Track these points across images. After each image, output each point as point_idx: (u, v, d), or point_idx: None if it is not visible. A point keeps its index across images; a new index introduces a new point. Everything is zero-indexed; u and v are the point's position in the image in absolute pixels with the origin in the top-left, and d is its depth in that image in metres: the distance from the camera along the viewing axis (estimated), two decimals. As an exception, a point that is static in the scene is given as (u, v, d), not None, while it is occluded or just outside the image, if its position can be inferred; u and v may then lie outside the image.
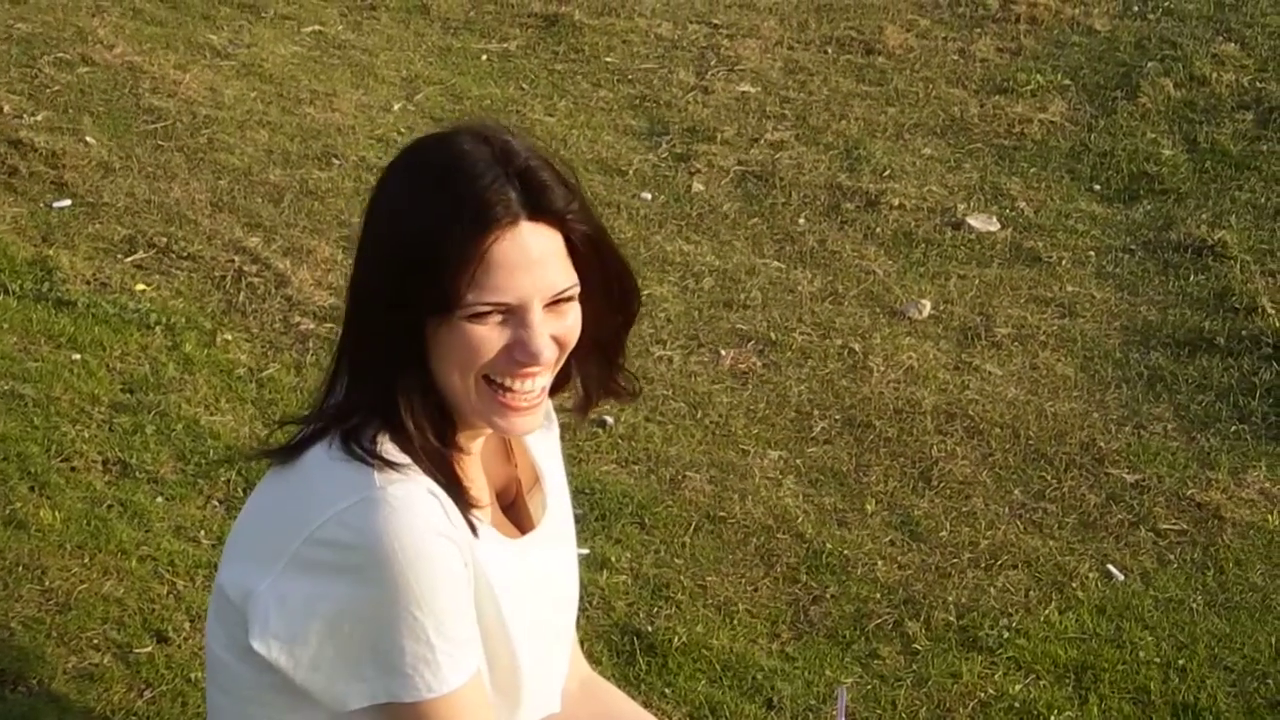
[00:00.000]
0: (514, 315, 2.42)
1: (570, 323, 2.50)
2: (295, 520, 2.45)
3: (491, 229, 2.38)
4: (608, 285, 2.58)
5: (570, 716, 2.98)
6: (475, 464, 2.66)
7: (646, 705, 3.69)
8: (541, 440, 2.90)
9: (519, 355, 2.42)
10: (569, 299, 2.48)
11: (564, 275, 2.46)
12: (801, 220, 6.18)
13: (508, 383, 2.46)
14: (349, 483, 2.42)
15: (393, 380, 2.47)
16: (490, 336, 2.42)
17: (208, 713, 2.82)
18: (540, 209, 2.42)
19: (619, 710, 3.15)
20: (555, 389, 2.79)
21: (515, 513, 2.81)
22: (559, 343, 2.48)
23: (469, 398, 2.48)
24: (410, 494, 2.41)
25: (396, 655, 2.42)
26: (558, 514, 2.86)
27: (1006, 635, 4.16)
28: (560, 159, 2.55)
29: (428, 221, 2.43)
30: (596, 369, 2.72)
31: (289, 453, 2.55)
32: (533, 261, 2.41)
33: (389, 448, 2.45)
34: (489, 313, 2.41)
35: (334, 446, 2.47)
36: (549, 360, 2.46)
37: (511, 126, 2.62)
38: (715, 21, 7.77)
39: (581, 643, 3.84)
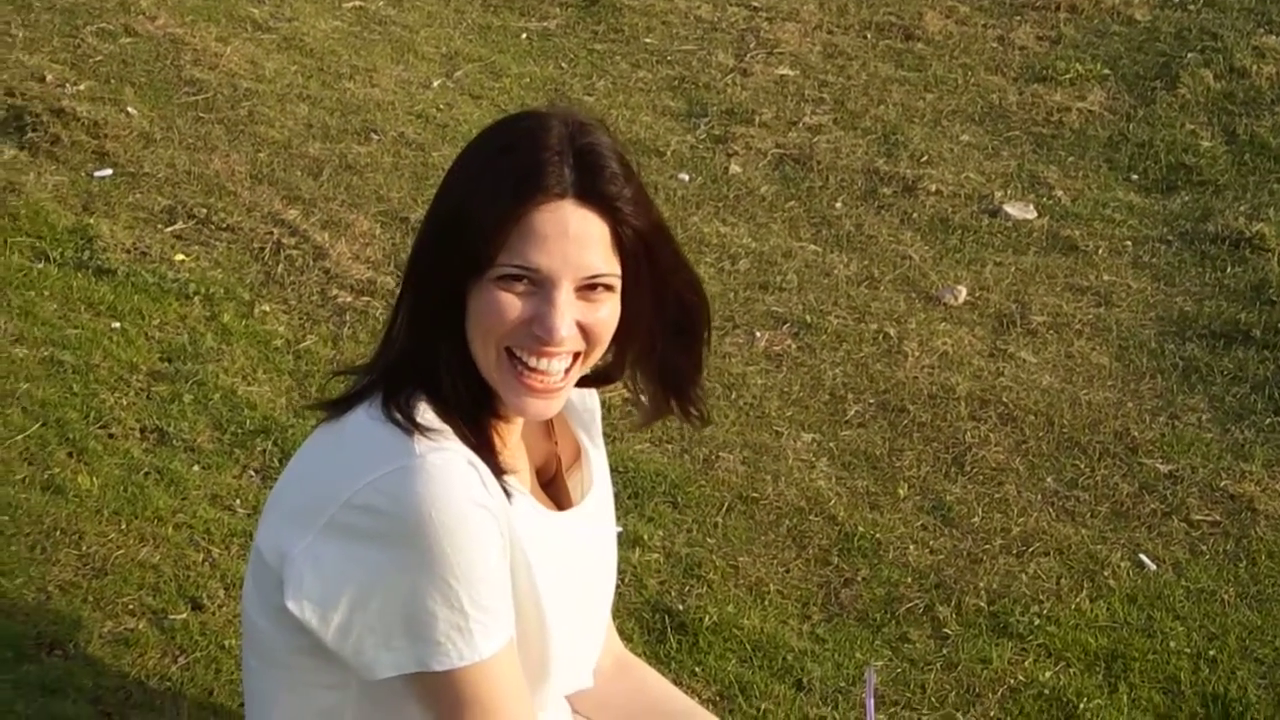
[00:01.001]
0: (541, 289, 2.41)
1: (603, 315, 2.48)
2: (334, 484, 2.46)
3: (535, 195, 2.39)
4: (660, 292, 2.55)
5: (603, 693, 2.98)
6: (515, 436, 2.66)
7: (676, 683, 3.69)
8: (584, 418, 2.91)
9: (538, 329, 2.41)
10: (606, 288, 2.46)
11: (602, 260, 2.44)
12: (838, 204, 6.18)
13: (527, 358, 2.45)
14: (388, 448, 2.42)
15: (435, 344, 2.49)
16: (514, 304, 2.41)
17: (243, 677, 2.84)
18: (590, 192, 2.42)
19: (651, 688, 3.15)
20: (595, 383, 2.82)
21: (555, 489, 2.81)
22: (586, 332, 2.47)
23: (491, 369, 2.48)
24: (449, 462, 2.41)
25: (429, 623, 2.42)
26: (598, 493, 2.86)
27: (1037, 622, 4.16)
28: (635, 159, 2.55)
29: (479, 185, 2.45)
30: (662, 387, 2.71)
31: (338, 406, 2.56)
32: (569, 238, 2.41)
33: (428, 414, 2.45)
34: (517, 278, 2.40)
35: (374, 408, 2.48)
36: (568, 342, 2.44)
37: (602, 119, 2.61)
38: (755, 4, 7.76)
39: (614, 619, 3.87)
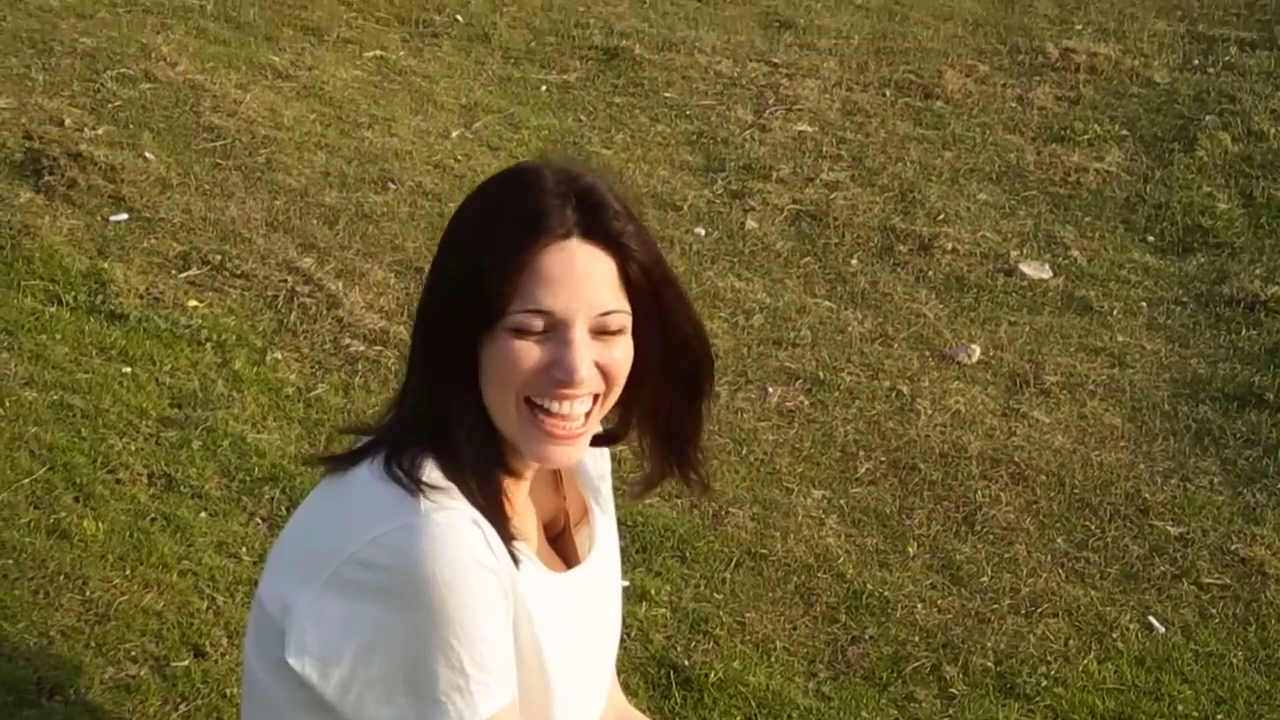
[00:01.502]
0: (556, 332, 2.40)
1: (618, 355, 2.47)
2: (338, 538, 2.45)
3: (540, 238, 2.39)
4: (667, 334, 2.54)
5: None
6: (523, 494, 2.65)
7: (680, 740, 3.69)
8: (593, 483, 2.89)
9: (558, 373, 2.40)
10: (618, 331, 2.46)
11: (611, 297, 2.44)
12: (854, 261, 6.18)
13: (548, 404, 2.43)
14: (393, 505, 2.41)
15: (448, 401, 2.47)
16: (531, 351, 2.40)
17: None
18: (594, 230, 2.42)
19: None
20: (608, 441, 2.80)
21: (562, 544, 2.81)
22: (605, 373, 2.46)
23: (510, 420, 2.46)
24: (453, 521, 2.40)
25: (430, 682, 2.40)
26: (605, 549, 2.84)
27: (1044, 684, 4.13)
28: (633, 195, 2.55)
29: (484, 236, 2.45)
30: (663, 446, 2.69)
31: (344, 461, 2.55)
32: (579, 277, 2.40)
33: (434, 473, 2.44)
34: (531, 326, 2.39)
35: (377, 465, 2.47)
36: (587, 383, 2.43)
37: (593, 164, 2.62)
38: (775, 60, 7.77)
39: (618, 673, 3.85)
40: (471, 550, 2.39)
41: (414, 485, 2.41)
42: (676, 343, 2.57)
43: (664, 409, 2.63)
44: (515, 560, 2.49)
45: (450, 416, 2.47)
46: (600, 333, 2.44)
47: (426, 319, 2.52)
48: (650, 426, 2.66)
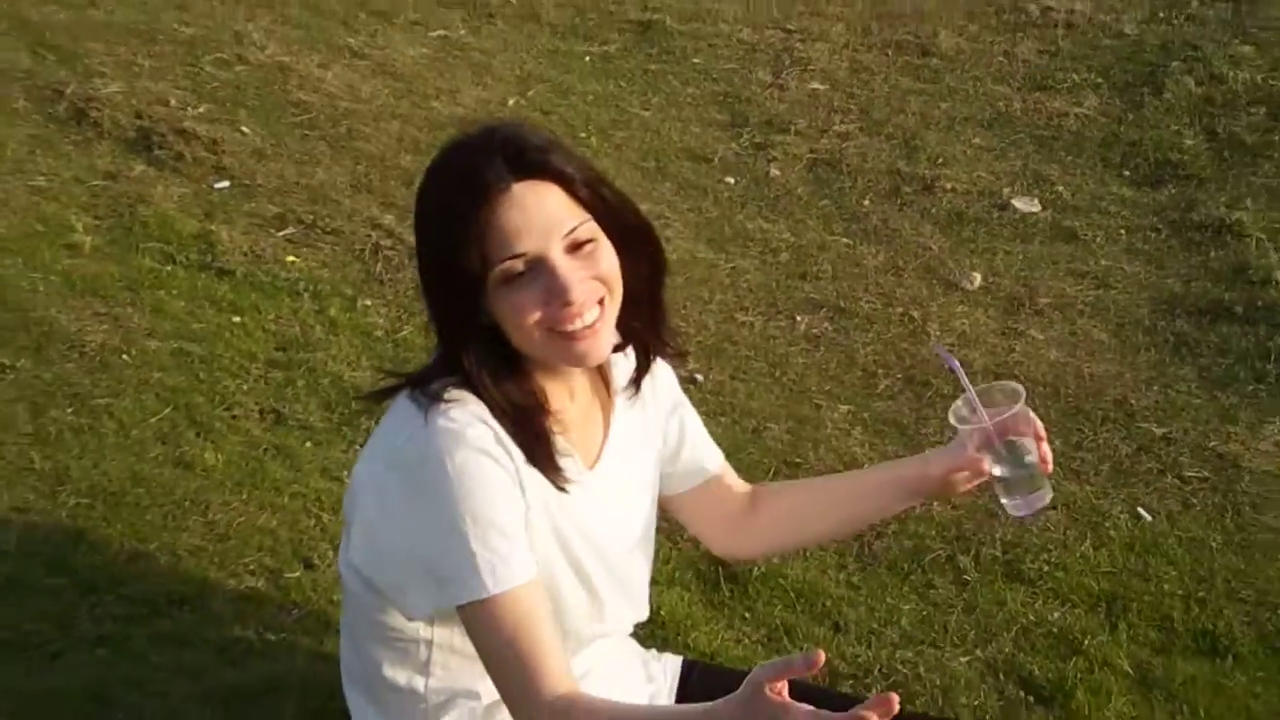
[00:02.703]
0: (539, 266, 2.39)
1: (604, 265, 2.45)
2: (375, 452, 2.52)
3: (486, 196, 2.37)
4: (618, 225, 2.51)
5: (760, 524, 2.98)
6: (566, 396, 2.63)
7: (728, 627, 3.68)
8: (620, 380, 2.82)
9: (557, 301, 2.38)
10: (590, 239, 2.43)
11: (569, 215, 2.41)
12: (866, 202, 6.13)
13: (562, 328, 2.41)
14: (413, 416, 2.43)
15: (460, 351, 2.47)
16: (527, 297, 2.39)
17: (340, 621, 2.89)
18: (525, 169, 2.39)
19: (788, 497, 3.05)
20: (616, 347, 2.76)
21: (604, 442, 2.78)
22: (603, 281, 2.44)
23: (537, 347, 2.45)
24: (460, 422, 2.41)
25: (450, 565, 2.42)
26: (632, 448, 2.81)
27: (1046, 569, 4.12)
28: (545, 129, 2.52)
29: (441, 214, 2.44)
30: (642, 326, 2.67)
31: (378, 397, 2.58)
32: (533, 214, 2.38)
33: (454, 390, 2.45)
34: (514, 270, 2.38)
35: (405, 392, 2.49)
36: (585, 295, 2.41)
37: (514, 118, 2.60)
38: (790, 27, 7.70)
39: (670, 572, 3.86)
40: (475, 443, 2.40)
41: (430, 402, 2.42)
42: (629, 229, 2.53)
43: (633, 291, 2.57)
44: (534, 457, 2.49)
45: (464, 361, 2.46)
46: (575, 247, 2.41)
47: (429, 295, 2.51)
48: (626, 312, 2.59)
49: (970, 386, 2.71)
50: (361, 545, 2.55)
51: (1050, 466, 2.72)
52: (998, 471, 2.71)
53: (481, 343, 2.45)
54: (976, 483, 2.78)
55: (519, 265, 2.38)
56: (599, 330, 2.47)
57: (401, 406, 2.49)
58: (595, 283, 2.43)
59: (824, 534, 3.20)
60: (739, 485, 3.06)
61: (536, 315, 2.41)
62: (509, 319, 2.42)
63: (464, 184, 2.39)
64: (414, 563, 2.46)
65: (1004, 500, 2.73)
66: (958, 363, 2.78)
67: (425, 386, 2.47)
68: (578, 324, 2.42)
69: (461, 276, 2.39)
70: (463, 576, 2.42)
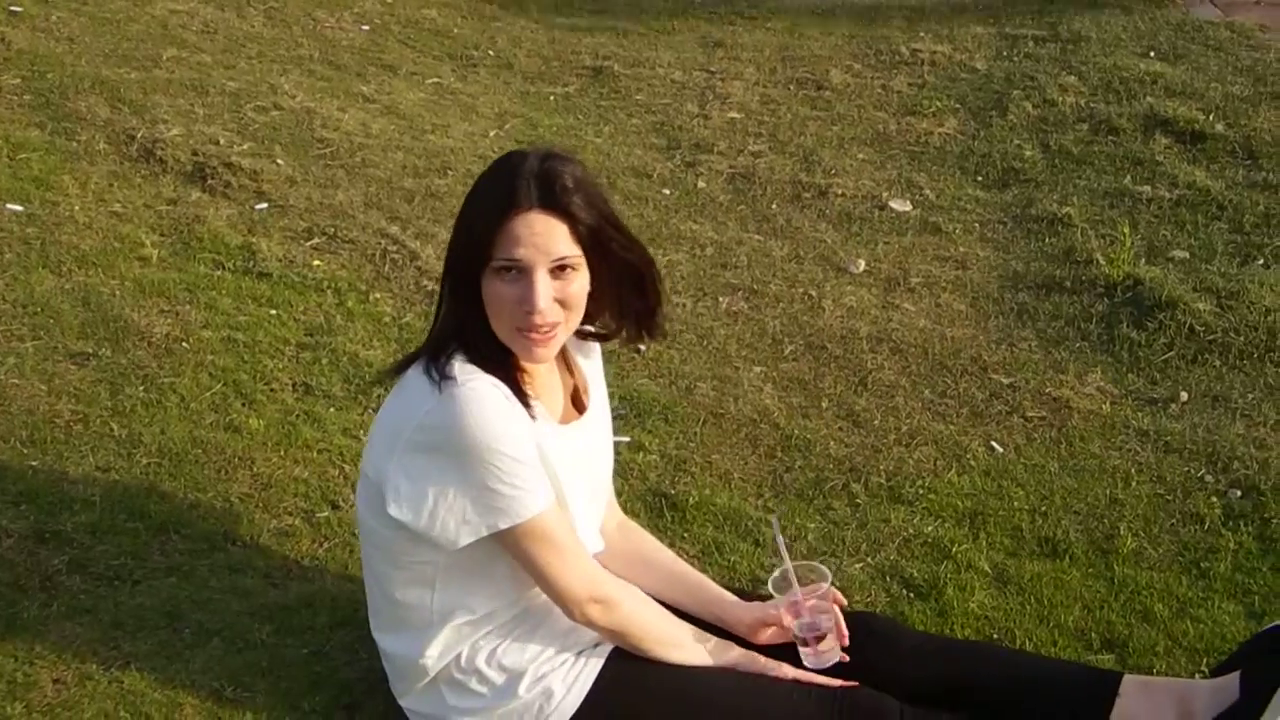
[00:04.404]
0: (524, 275, 2.48)
1: (574, 289, 2.53)
2: (402, 418, 2.54)
3: (511, 209, 2.46)
4: (612, 261, 2.59)
5: (612, 550, 2.99)
6: (541, 375, 2.70)
7: (671, 545, 3.65)
8: (588, 364, 2.92)
9: (524, 305, 2.48)
10: (571, 268, 2.51)
11: (564, 247, 2.49)
12: (774, 206, 6.10)
13: (524, 328, 2.51)
14: (427, 393, 2.49)
15: (464, 318, 2.54)
16: (508, 290, 2.48)
17: (361, 558, 2.89)
18: (548, 201, 2.47)
19: (647, 546, 3.15)
20: (601, 339, 2.87)
21: (577, 406, 2.86)
22: (563, 303, 2.52)
23: (506, 336, 2.54)
24: (478, 387, 2.47)
25: (489, 497, 2.48)
26: (598, 409, 2.90)
27: (921, 492, 4.11)
28: (589, 174, 2.58)
29: (478, 207, 2.52)
30: (630, 324, 2.76)
31: (397, 370, 2.64)
32: (537, 236, 2.46)
33: (463, 364, 2.50)
34: (506, 269, 2.48)
35: (419, 365, 2.55)
36: (546, 311, 2.49)
37: (568, 149, 2.71)
38: (712, 69, 7.67)
39: (624, 504, 3.83)
40: (495, 403, 2.47)
41: (444, 379, 2.48)
42: (627, 265, 2.62)
43: (623, 304, 2.71)
44: (531, 412, 2.56)
45: (469, 329, 2.54)
46: (559, 270, 2.50)
47: (450, 264, 2.59)
48: (617, 317, 2.75)
49: (790, 563, 2.81)
50: (406, 492, 2.52)
51: (846, 639, 2.82)
52: (798, 631, 2.82)
53: (476, 305, 2.52)
54: (778, 640, 2.88)
55: (510, 269, 2.47)
56: (552, 338, 2.56)
57: (414, 385, 2.53)
58: (558, 305, 2.51)
59: (650, 592, 3.07)
60: (615, 510, 3.11)
61: (509, 309, 2.50)
62: (490, 302, 2.51)
63: (504, 190, 2.48)
64: (455, 505, 2.49)
65: (801, 650, 2.83)
66: (784, 540, 2.89)
67: (437, 363, 2.51)
68: (538, 329, 2.51)
69: (475, 250, 2.48)
70: (500, 508, 2.48)
